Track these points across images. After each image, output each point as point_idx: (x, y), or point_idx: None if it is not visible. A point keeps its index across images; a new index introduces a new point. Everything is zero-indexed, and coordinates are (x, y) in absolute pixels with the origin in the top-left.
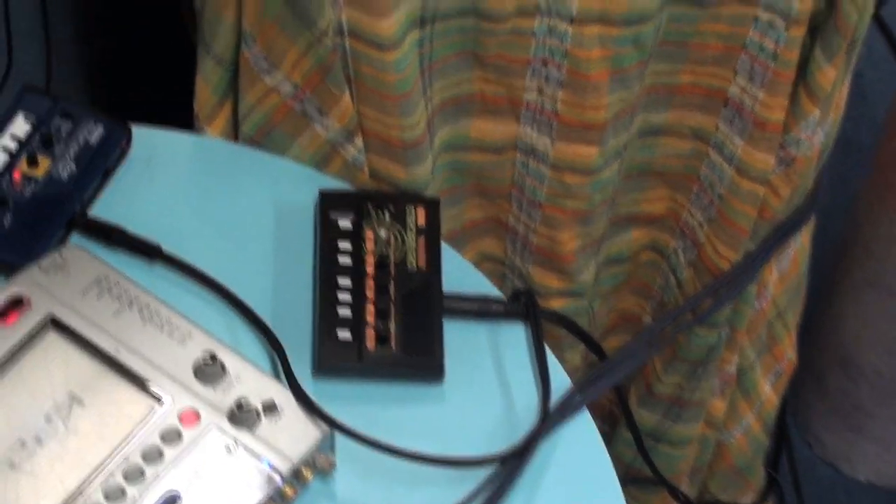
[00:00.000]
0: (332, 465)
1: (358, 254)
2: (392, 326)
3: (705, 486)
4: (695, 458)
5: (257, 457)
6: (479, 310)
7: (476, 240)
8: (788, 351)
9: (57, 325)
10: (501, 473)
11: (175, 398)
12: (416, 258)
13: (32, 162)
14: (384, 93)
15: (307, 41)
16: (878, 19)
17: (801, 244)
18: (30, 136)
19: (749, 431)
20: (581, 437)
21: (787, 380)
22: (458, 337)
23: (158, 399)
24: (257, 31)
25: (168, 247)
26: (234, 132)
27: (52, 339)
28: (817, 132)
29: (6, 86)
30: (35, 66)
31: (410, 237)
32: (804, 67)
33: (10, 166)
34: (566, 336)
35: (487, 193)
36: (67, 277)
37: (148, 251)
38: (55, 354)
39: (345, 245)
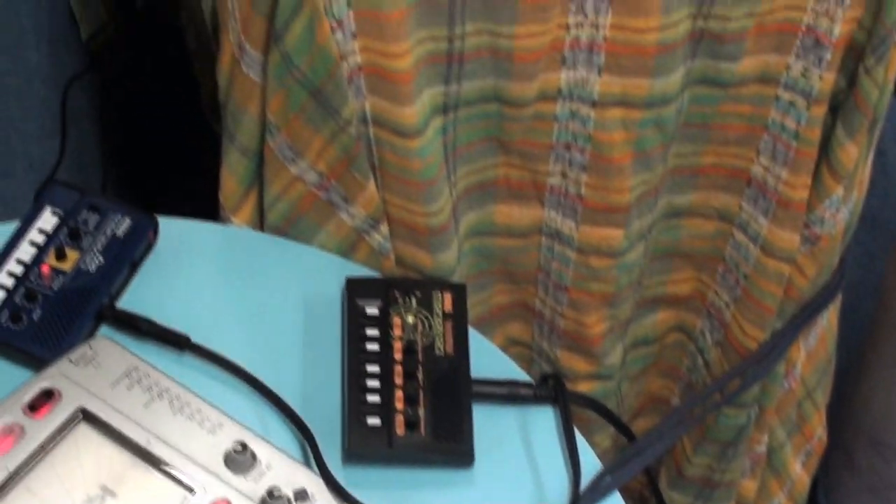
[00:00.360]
0: None
1: (385, 340)
2: (421, 412)
3: None
4: None
5: None
6: (507, 394)
7: (503, 324)
8: (818, 430)
9: (88, 417)
10: None
11: (207, 488)
12: (443, 343)
13: (60, 255)
14: (409, 180)
15: (331, 130)
16: None
17: (828, 322)
18: (57, 230)
19: None
20: None
21: (817, 459)
22: (487, 421)
23: (190, 489)
24: (282, 122)
25: (197, 336)
26: (261, 221)
27: (84, 432)
28: (841, 210)
29: (58, 172)
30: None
31: (437, 323)
32: (826, 146)
33: (38, 260)
34: (595, 419)
35: (513, 278)
36: (97, 369)
37: (177, 341)
38: (87, 446)
39: (372, 332)
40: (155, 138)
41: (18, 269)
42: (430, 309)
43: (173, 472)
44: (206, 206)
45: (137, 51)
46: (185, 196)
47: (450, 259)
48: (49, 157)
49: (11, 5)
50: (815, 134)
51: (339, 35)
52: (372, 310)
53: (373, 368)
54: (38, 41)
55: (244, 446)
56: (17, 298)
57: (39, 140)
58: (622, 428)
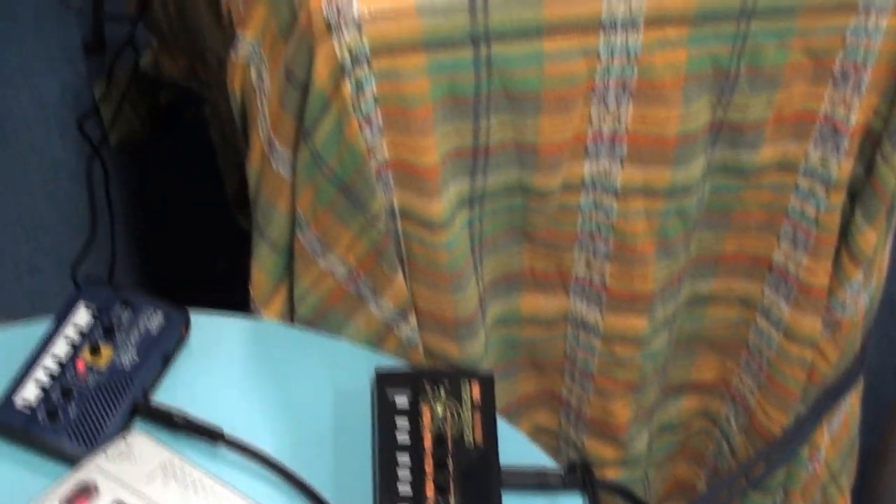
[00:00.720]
0: None
1: (416, 431)
2: (452, 501)
3: None
4: None
5: None
6: (536, 482)
7: (530, 412)
8: None
9: None
10: None
11: None
12: (472, 433)
13: (95, 352)
14: (437, 272)
15: (360, 225)
16: None
17: (850, 406)
18: (92, 327)
19: None
20: None
21: None
22: None
23: None
24: (311, 217)
25: (229, 429)
26: (291, 313)
27: None
28: (862, 295)
29: (90, 252)
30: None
31: (466, 413)
32: (845, 231)
33: (73, 357)
34: None
35: (540, 367)
36: (133, 464)
37: (210, 435)
38: None
39: (402, 422)
40: (181, 229)
41: (54, 367)
42: (458, 399)
43: None
44: (233, 295)
45: (162, 145)
46: (211, 286)
47: (477, 349)
48: (75, 254)
49: (40, 105)
50: (835, 220)
51: (367, 132)
52: (402, 401)
53: (403, 459)
54: (64, 140)
55: None
56: (54, 396)
57: (67, 236)
58: None
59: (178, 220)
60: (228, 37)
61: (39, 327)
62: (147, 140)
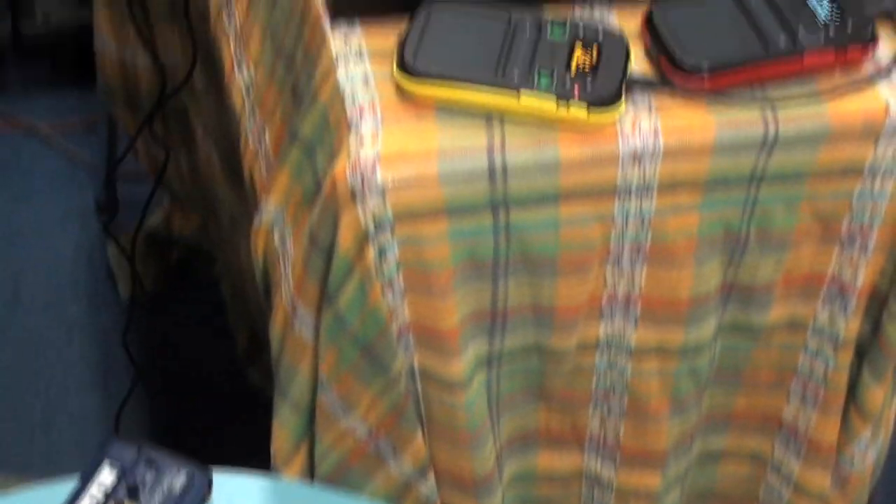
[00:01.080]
0: None
1: None
2: None
3: None
4: None
5: None
6: None
7: None
8: None
9: None
10: None
11: None
12: None
13: None
14: (456, 432)
15: (381, 385)
16: None
17: None
18: (116, 487)
19: None
20: None
21: None
22: None
23: None
24: (334, 378)
25: None
26: (311, 471)
27: None
28: (870, 450)
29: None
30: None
31: None
32: (853, 388)
33: None
34: None
35: None
36: None
37: None
38: None
39: None
40: (192, 385)
41: None
42: None
43: None
44: (247, 449)
45: (173, 301)
46: (224, 441)
47: None
48: (88, 411)
49: (53, 264)
50: (843, 378)
51: (389, 295)
52: None
53: None
54: (77, 298)
55: None
56: None
57: (79, 393)
58: None
59: (188, 376)
60: (248, 200)
61: (65, 486)
62: (158, 297)
